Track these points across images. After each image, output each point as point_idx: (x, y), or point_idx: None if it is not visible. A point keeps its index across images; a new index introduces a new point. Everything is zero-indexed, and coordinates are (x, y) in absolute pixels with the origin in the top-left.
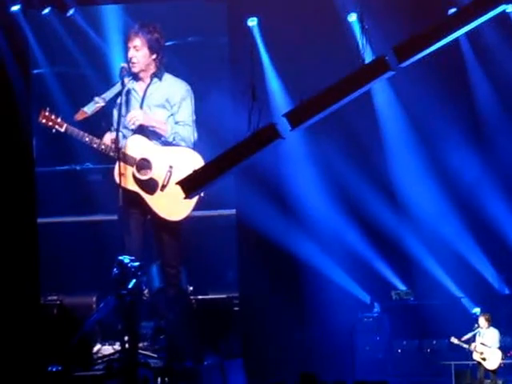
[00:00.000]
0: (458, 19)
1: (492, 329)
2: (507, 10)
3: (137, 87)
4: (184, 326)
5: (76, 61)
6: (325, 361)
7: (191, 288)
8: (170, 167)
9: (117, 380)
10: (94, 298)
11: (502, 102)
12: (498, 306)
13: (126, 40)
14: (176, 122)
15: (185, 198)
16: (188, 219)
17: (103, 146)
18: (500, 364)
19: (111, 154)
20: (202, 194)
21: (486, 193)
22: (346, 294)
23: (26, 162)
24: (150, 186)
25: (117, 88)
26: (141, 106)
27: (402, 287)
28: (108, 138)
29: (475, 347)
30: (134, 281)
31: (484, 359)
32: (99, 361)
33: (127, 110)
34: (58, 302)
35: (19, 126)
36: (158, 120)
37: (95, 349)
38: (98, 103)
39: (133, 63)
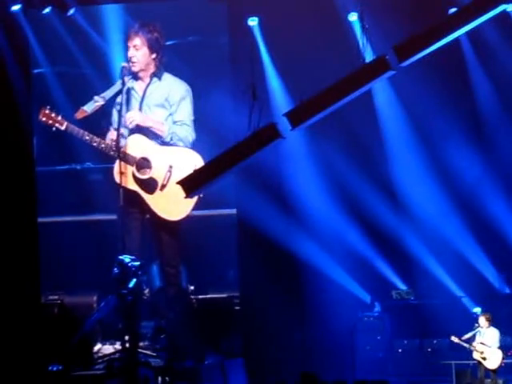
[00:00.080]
0: (459, 19)
1: (492, 328)
2: (507, 10)
3: (136, 87)
4: (184, 326)
5: (76, 60)
6: (325, 360)
7: (192, 287)
8: (170, 167)
9: (117, 379)
10: (95, 298)
11: (503, 102)
12: (499, 306)
13: (126, 39)
14: (174, 122)
15: (185, 197)
16: (189, 219)
17: (103, 145)
18: (500, 363)
19: (111, 152)
20: (201, 195)
21: (486, 192)
22: (347, 293)
23: (27, 162)
24: (150, 186)
25: (117, 87)
26: (140, 106)
27: (402, 286)
28: (108, 136)
29: (475, 346)
30: (135, 280)
31: (484, 358)
32: (100, 360)
33: (127, 110)
34: (59, 302)
35: (20, 125)
36: (155, 120)
37: (96, 348)
38: (97, 102)
39: (132, 62)
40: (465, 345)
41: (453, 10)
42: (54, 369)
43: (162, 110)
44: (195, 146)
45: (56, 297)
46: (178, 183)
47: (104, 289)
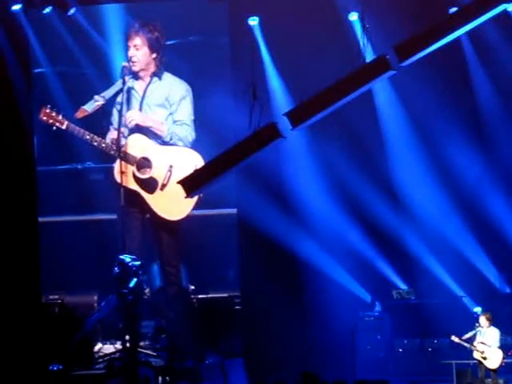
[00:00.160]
0: (459, 18)
1: (493, 328)
2: (508, 9)
3: (137, 86)
4: (185, 325)
5: (77, 60)
6: (325, 360)
7: (192, 287)
8: (170, 167)
9: (118, 379)
10: (96, 297)
11: (504, 102)
12: (499, 306)
13: (127, 39)
14: (174, 122)
15: (186, 197)
16: (189, 218)
17: (104, 145)
18: (501, 363)
19: (111, 152)
20: (201, 195)
21: (487, 192)
22: (347, 292)
23: (27, 161)
24: (150, 185)
25: (117, 86)
26: (140, 105)
27: (403, 286)
28: (108, 136)
29: (476, 346)
30: (135, 280)
31: (485, 358)
32: (100, 360)
33: (127, 109)
34: (59, 301)
35: (20, 125)
36: (155, 120)
37: (96, 348)
38: (98, 101)
39: (133, 62)
40: (465, 344)
41: (453, 9)
42: (55, 368)
43: (162, 109)
44: (195, 145)
45: (56, 296)
46: (178, 183)
47: (104, 288)
